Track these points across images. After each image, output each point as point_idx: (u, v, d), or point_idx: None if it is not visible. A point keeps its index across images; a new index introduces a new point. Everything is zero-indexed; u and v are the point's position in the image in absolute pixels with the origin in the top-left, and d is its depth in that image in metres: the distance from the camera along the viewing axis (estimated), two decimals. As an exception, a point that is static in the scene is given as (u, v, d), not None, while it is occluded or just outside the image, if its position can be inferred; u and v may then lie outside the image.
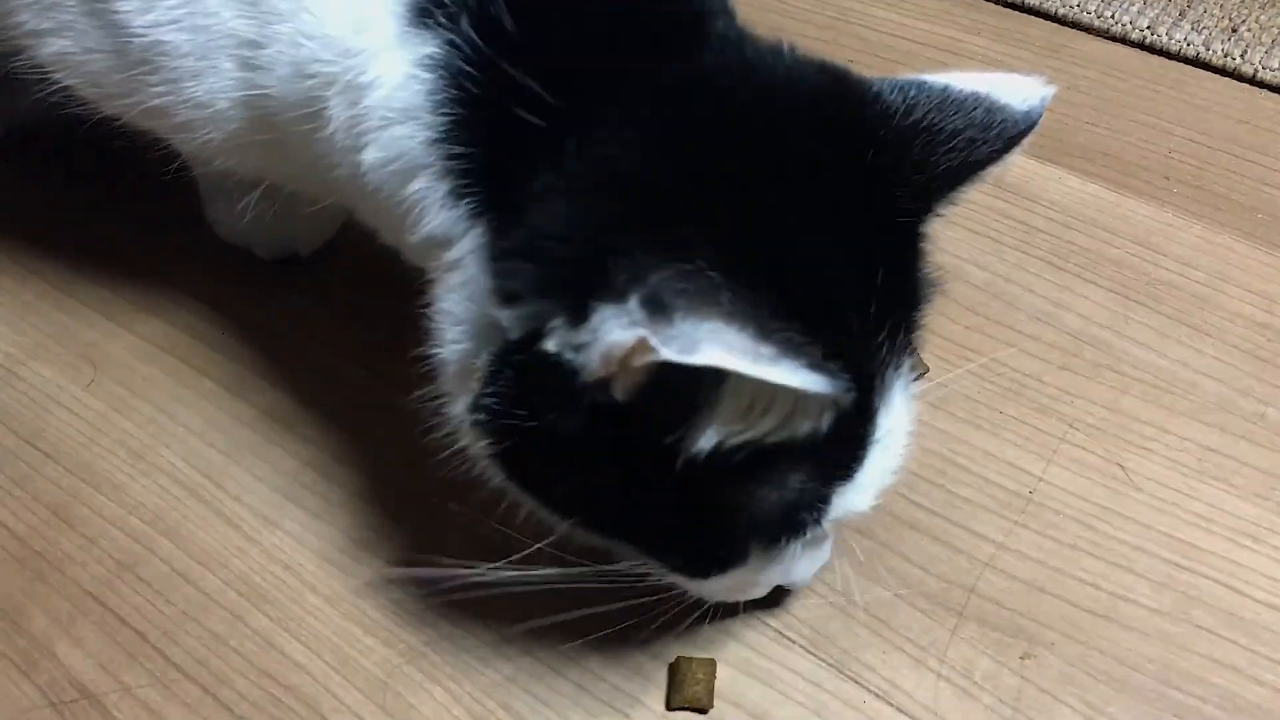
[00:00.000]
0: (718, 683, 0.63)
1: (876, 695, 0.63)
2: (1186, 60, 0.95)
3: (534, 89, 0.52)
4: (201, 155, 0.69)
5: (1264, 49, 0.94)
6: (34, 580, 0.68)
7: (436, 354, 0.58)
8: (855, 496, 0.55)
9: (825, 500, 0.54)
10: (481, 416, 0.53)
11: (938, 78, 0.57)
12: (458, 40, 0.54)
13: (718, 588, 0.59)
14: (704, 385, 0.48)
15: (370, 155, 0.57)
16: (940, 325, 0.78)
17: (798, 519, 0.54)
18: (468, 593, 0.62)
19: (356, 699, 0.63)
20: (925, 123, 0.55)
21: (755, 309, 0.45)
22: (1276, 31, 0.95)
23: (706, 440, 0.49)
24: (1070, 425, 0.73)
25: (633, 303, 0.45)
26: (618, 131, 0.52)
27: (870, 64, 0.94)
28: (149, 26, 0.61)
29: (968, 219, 0.85)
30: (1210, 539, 0.68)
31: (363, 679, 0.64)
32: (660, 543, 0.56)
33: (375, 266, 0.83)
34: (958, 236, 0.84)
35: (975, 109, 0.55)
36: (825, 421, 0.50)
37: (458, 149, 0.54)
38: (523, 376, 0.51)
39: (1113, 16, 0.97)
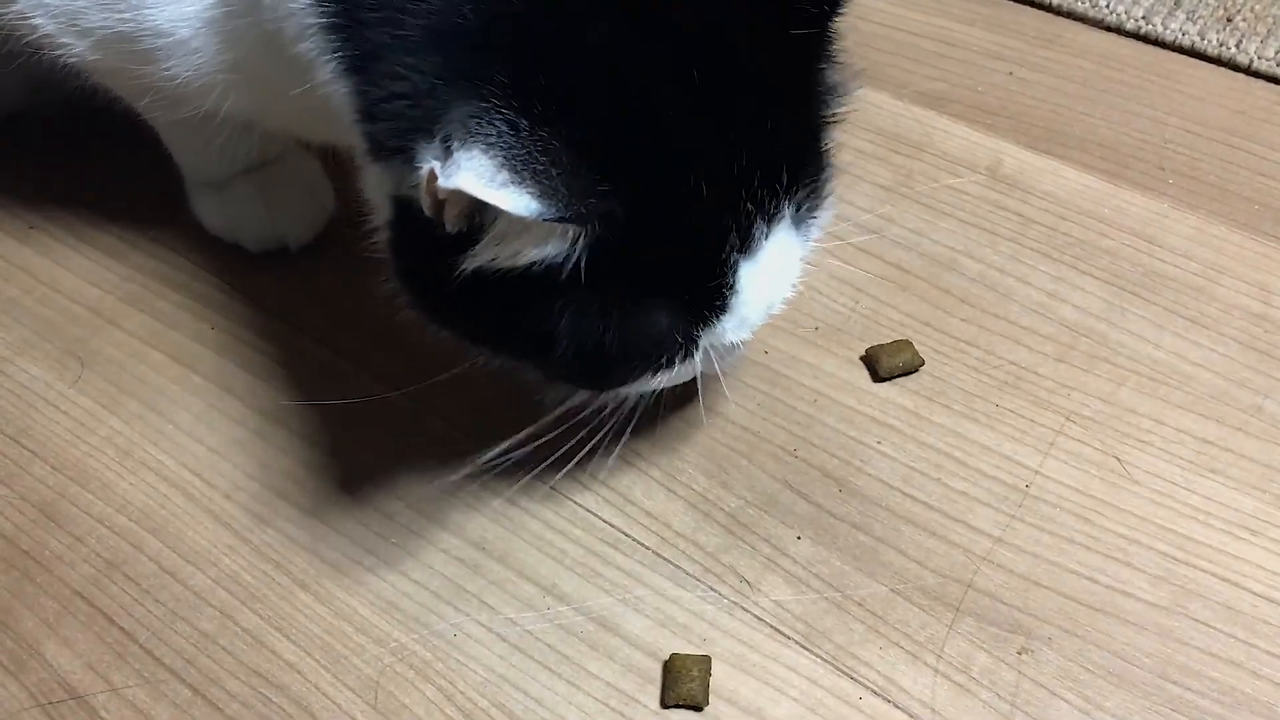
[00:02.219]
0: (712, 679, 0.62)
1: (873, 691, 0.62)
2: (1181, 50, 0.94)
3: None
4: (176, 104, 0.69)
5: (1259, 39, 0.93)
6: (22, 580, 0.67)
7: (370, 222, 0.61)
8: (725, 332, 0.59)
9: (692, 333, 0.58)
10: (391, 260, 0.58)
11: None
12: None
13: (628, 393, 0.63)
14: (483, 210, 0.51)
15: (284, 26, 0.58)
16: (935, 317, 0.78)
17: (669, 346, 0.58)
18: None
19: (348, 697, 0.63)
20: None
21: (517, 143, 0.48)
22: (1271, 21, 0.94)
23: (470, 262, 0.53)
24: (1067, 418, 0.73)
25: (437, 139, 0.49)
26: None
27: (866, 55, 0.94)
28: None
29: (961, 210, 0.84)
30: (1207, 532, 0.68)
31: (354, 677, 0.63)
32: (553, 364, 0.58)
33: (365, 261, 0.82)
34: (951, 228, 0.83)
35: None
36: (576, 250, 0.52)
37: (327, 6, 0.56)
38: (402, 219, 0.56)
39: (1107, 6, 0.97)
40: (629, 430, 0.67)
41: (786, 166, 0.56)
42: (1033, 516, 0.69)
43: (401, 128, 0.52)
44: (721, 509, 0.70)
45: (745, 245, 0.56)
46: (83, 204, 0.86)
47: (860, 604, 0.65)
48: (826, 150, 0.60)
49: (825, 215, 0.61)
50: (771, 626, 0.65)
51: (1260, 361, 0.75)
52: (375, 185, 0.59)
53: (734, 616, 0.65)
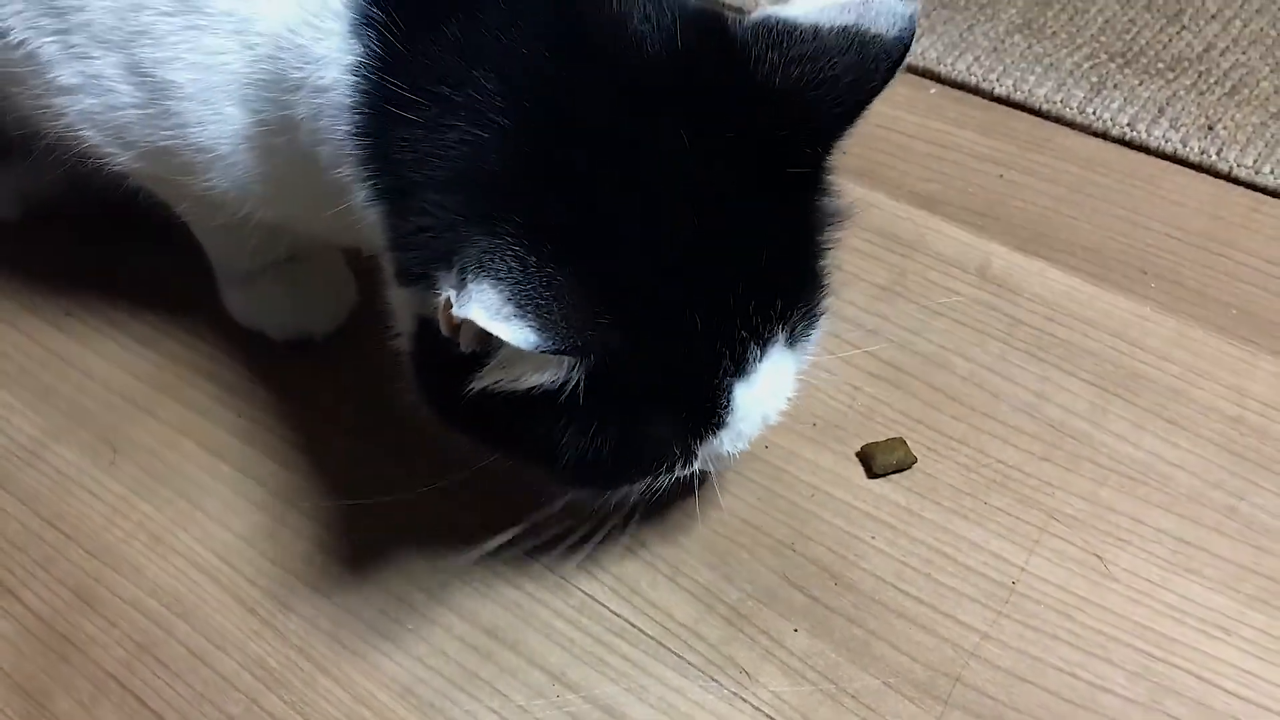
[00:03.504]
0: (713, 768, 0.66)
1: (864, 782, 0.66)
2: (1164, 156, 0.99)
3: (409, 95, 0.58)
4: (214, 210, 0.73)
5: (1239, 147, 0.98)
6: (58, 662, 0.71)
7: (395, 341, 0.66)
8: (721, 444, 0.64)
9: (690, 446, 0.63)
10: (411, 368, 0.64)
11: (804, 15, 0.59)
12: (369, 46, 0.60)
13: (626, 493, 0.67)
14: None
15: (324, 153, 0.63)
16: (927, 415, 0.82)
17: (667, 456, 0.63)
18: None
19: (367, 782, 0.66)
20: (804, 77, 0.58)
21: (527, 278, 0.53)
22: (1251, 130, 0.99)
23: (478, 383, 0.57)
24: (1051, 516, 0.77)
25: (455, 270, 0.54)
26: (470, 118, 0.57)
27: (865, 155, 0.98)
28: (157, 65, 0.66)
29: (953, 309, 0.88)
30: (1183, 630, 0.71)
31: (373, 762, 0.67)
32: (558, 470, 0.62)
33: (385, 354, 0.86)
34: (944, 327, 0.87)
35: (849, 49, 0.58)
36: (574, 376, 0.57)
37: (365, 142, 0.60)
38: (424, 335, 0.61)
39: (1094, 113, 1.02)
40: (633, 522, 0.72)
41: (780, 295, 0.61)
42: (1018, 613, 0.72)
43: (424, 257, 0.57)
44: (723, 601, 0.73)
45: (739, 369, 0.61)
46: (117, 293, 0.90)
47: (854, 696, 0.69)
48: (821, 274, 0.64)
49: (819, 332, 0.65)
50: (769, 717, 0.68)
51: (1235, 464, 0.79)
52: (400, 303, 0.64)
53: (734, 707, 0.69)
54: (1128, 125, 1.00)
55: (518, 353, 0.54)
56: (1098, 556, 0.75)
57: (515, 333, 0.52)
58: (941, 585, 0.74)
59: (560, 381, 0.57)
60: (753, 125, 0.58)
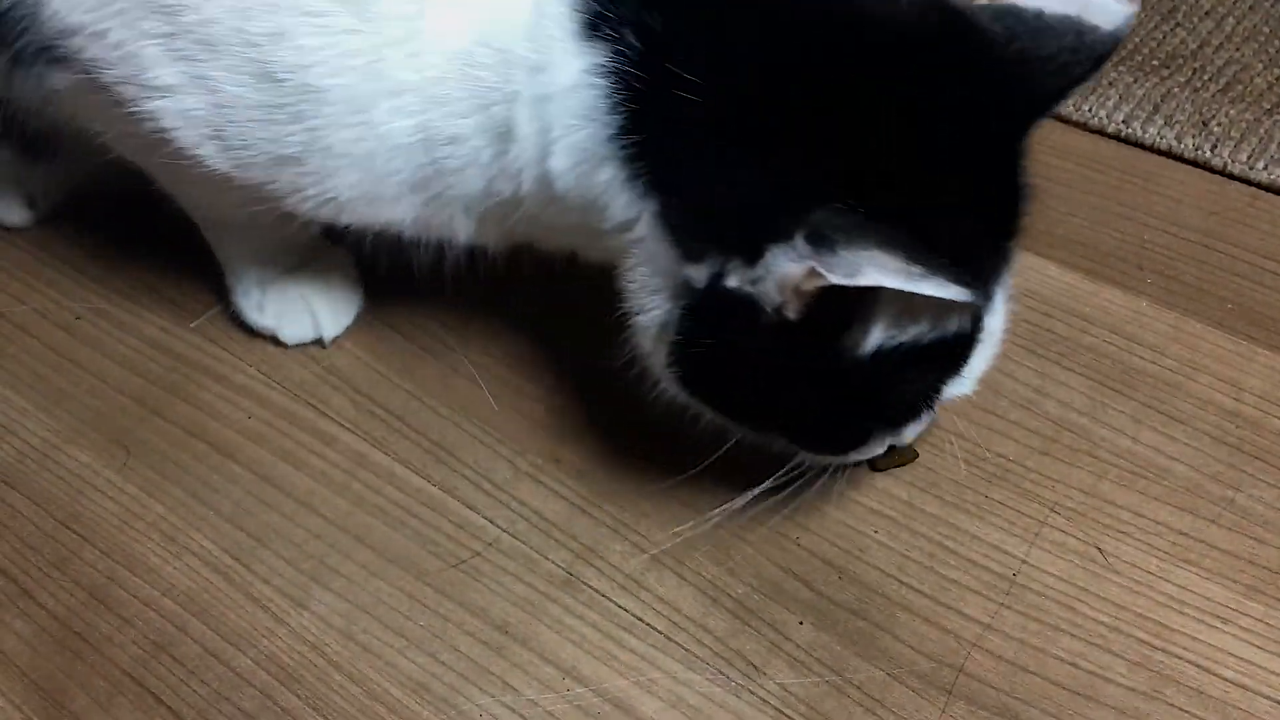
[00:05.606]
0: (722, 759, 0.67)
1: (871, 771, 0.67)
2: (1160, 152, 1.00)
3: (685, 76, 0.60)
4: (314, 214, 0.71)
5: (1233, 143, 0.99)
6: (74, 660, 0.72)
7: (635, 320, 0.68)
8: (961, 385, 0.68)
9: (939, 390, 0.67)
10: (676, 353, 0.66)
11: (1030, 2, 0.65)
12: (622, 47, 0.62)
13: (848, 459, 0.73)
14: (862, 300, 0.60)
15: (556, 161, 0.65)
16: (928, 411, 0.83)
17: (917, 408, 0.68)
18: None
19: (382, 776, 0.67)
20: (1024, 51, 0.64)
21: (899, 237, 0.56)
22: (1244, 126, 1.00)
23: (870, 343, 0.62)
24: (1051, 509, 0.78)
25: (798, 240, 0.57)
26: (760, 99, 0.61)
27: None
28: (296, 69, 0.64)
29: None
30: (1182, 620, 0.73)
31: (387, 756, 0.68)
32: (807, 433, 0.69)
33: (392, 349, 0.87)
34: (944, 324, 0.88)
35: (1067, 34, 0.64)
36: (961, 324, 0.63)
37: (632, 139, 0.63)
38: (708, 313, 0.63)
39: (1090, 110, 1.03)
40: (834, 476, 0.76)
41: (1009, 235, 0.66)
42: (1020, 604, 0.73)
43: (728, 231, 0.61)
44: (729, 595, 0.74)
45: (988, 297, 0.65)
46: (126, 295, 0.91)
47: (859, 687, 0.70)
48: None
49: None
50: (776, 709, 0.69)
51: (1231, 456, 0.80)
52: (662, 289, 0.66)
53: (741, 699, 0.70)
54: (1123, 122, 1.02)
55: (931, 305, 0.59)
56: (1097, 548, 0.76)
57: (943, 288, 0.55)
58: (944, 578, 0.75)
59: (954, 331, 0.63)
60: (980, 92, 0.63)
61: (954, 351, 0.65)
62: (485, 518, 0.78)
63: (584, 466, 0.81)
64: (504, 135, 0.65)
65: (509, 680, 0.71)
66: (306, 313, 0.86)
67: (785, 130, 0.61)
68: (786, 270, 0.59)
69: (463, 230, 0.72)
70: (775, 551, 0.76)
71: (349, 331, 0.88)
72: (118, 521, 0.78)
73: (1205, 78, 1.05)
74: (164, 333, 0.89)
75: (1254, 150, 0.99)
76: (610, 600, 0.74)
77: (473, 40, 0.63)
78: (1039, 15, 0.64)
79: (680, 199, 0.63)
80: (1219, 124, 1.01)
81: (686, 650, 0.72)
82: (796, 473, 0.73)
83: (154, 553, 0.77)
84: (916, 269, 0.55)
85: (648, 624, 0.73)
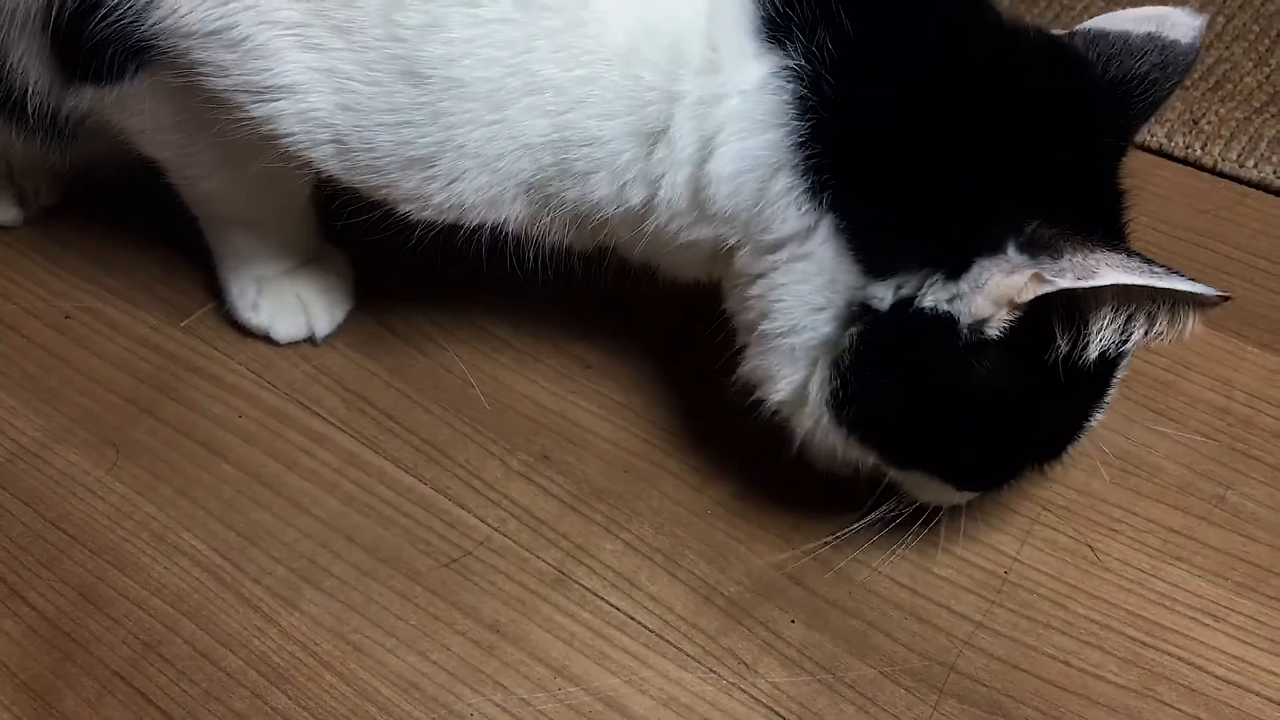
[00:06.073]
0: (713, 758, 0.67)
1: (863, 769, 0.67)
2: (1150, 151, 1.00)
3: (876, 89, 0.60)
4: (434, 213, 0.68)
5: (1223, 141, 0.99)
6: (63, 661, 0.71)
7: (777, 343, 0.67)
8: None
9: (1089, 422, 0.68)
10: (842, 386, 0.65)
11: (1111, 25, 0.68)
12: (814, 51, 0.60)
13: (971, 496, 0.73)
14: (1081, 307, 0.59)
15: (719, 166, 0.62)
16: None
17: (1073, 439, 0.69)
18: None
19: (373, 775, 0.67)
20: (1119, 74, 0.67)
21: (1116, 242, 0.59)
22: (1235, 124, 1.01)
23: (1095, 347, 0.60)
24: (1043, 507, 0.78)
25: (1011, 250, 0.58)
26: (954, 114, 0.61)
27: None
28: (443, 63, 0.60)
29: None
30: (1173, 618, 0.73)
31: (378, 756, 0.68)
32: (960, 465, 0.69)
33: (383, 348, 0.87)
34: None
35: (1151, 51, 0.67)
36: (1159, 329, 0.61)
37: (816, 148, 0.61)
38: (890, 337, 0.62)
39: (1081, 108, 1.03)
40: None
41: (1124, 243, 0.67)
42: (1011, 602, 0.73)
43: (925, 245, 0.61)
44: (721, 593, 0.74)
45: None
46: (116, 294, 0.91)
47: (851, 686, 0.70)
48: None
49: None
50: (768, 708, 0.69)
51: (1222, 454, 0.80)
52: (827, 306, 0.64)
53: (733, 698, 0.70)
54: (1114, 121, 1.02)
55: (1164, 307, 0.59)
56: (1089, 546, 0.76)
57: (1186, 283, 0.56)
58: (936, 576, 0.75)
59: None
60: (1089, 117, 0.65)
61: (1107, 371, 0.66)
62: (476, 516, 0.78)
63: (575, 465, 0.80)
64: (652, 138, 0.63)
65: (500, 679, 0.71)
66: (300, 310, 0.86)
67: (981, 148, 0.61)
68: (1003, 281, 0.58)
69: (557, 233, 0.69)
70: (767, 550, 0.76)
71: (340, 330, 0.88)
72: (107, 521, 0.78)
73: (1195, 76, 1.05)
74: (154, 331, 0.89)
75: (1244, 148, 0.99)
76: (602, 599, 0.74)
77: (637, 36, 0.61)
78: (1125, 38, 0.67)
79: (869, 212, 0.62)
80: (1209, 122, 1.01)
81: (678, 649, 0.72)
82: (904, 506, 0.73)
83: (144, 552, 0.76)
84: (1159, 268, 0.56)
85: (639, 622, 0.73)
